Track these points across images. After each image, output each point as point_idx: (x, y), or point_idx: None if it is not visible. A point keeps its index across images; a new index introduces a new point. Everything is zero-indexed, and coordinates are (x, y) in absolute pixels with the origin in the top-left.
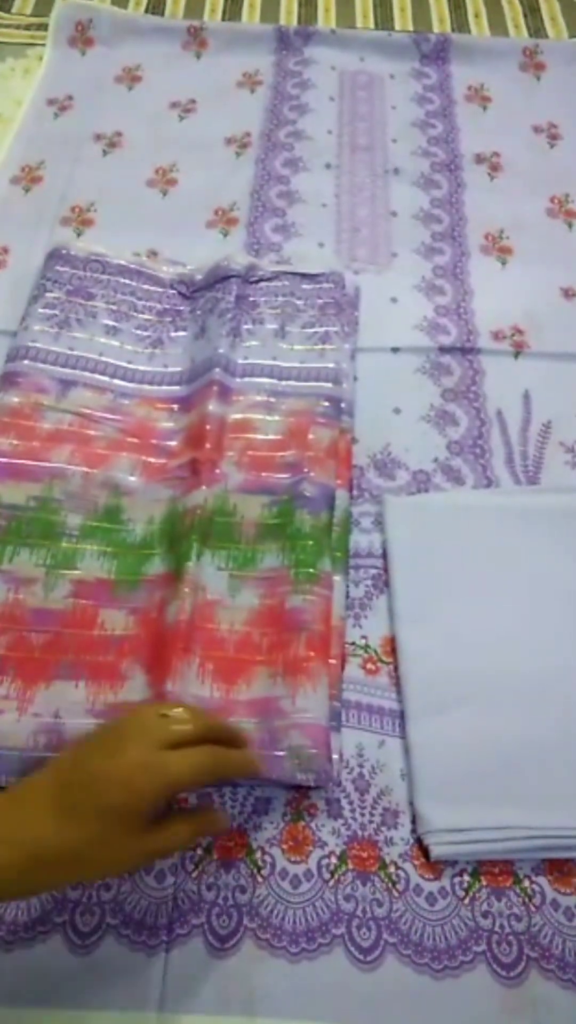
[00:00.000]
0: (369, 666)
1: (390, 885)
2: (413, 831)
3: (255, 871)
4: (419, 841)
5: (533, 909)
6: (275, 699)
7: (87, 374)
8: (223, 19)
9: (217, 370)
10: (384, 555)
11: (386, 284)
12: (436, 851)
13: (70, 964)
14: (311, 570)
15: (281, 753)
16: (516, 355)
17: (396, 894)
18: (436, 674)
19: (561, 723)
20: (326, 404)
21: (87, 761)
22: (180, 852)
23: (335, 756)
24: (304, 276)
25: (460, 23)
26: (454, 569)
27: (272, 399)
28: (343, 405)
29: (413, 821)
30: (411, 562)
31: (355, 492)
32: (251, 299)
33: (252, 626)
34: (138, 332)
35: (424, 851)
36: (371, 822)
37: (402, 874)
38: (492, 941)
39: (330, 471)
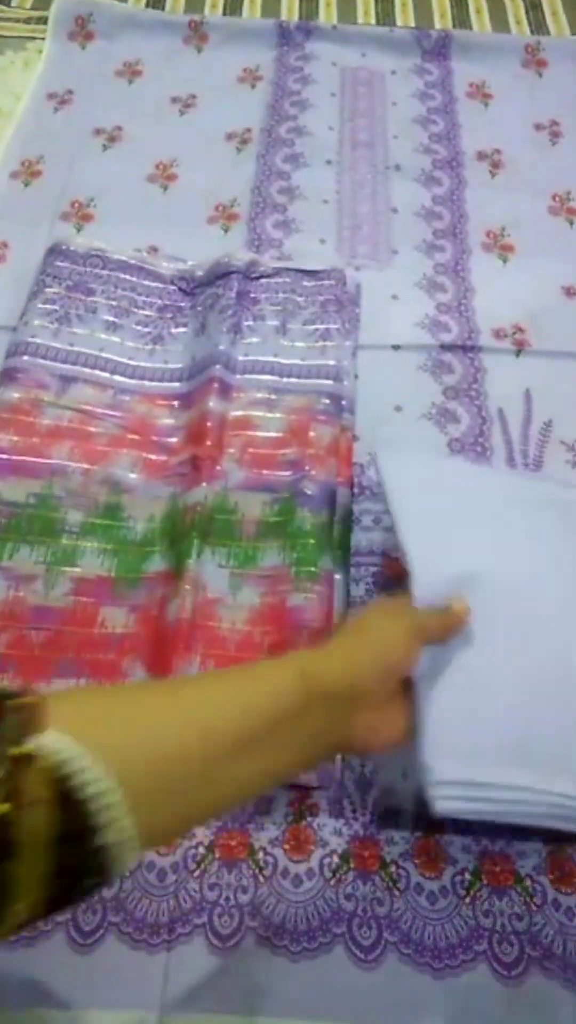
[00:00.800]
0: None
1: (391, 884)
2: (414, 828)
3: (257, 871)
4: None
5: (534, 908)
6: None
7: (87, 370)
8: (224, 14)
9: (218, 367)
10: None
11: (387, 281)
12: (441, 805)
13: (72, 962)
14: (312, 568)
15: None
16: (517, 353)
17: (397, 893)
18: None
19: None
20: (327, 401)
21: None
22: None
23: (337, 756)
24: (305, 273)
25: (462, 19)
26: (461, 513)
27: (273, 396)
28: (344, 402)
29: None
30: (418, 516)
31: (356, 490)
32: (252, 296)
33: (253, 625)
34: (138, 328)
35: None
36: (373, 822)
37: (403, 873)
38: (493, 940)
39: (331, 469)
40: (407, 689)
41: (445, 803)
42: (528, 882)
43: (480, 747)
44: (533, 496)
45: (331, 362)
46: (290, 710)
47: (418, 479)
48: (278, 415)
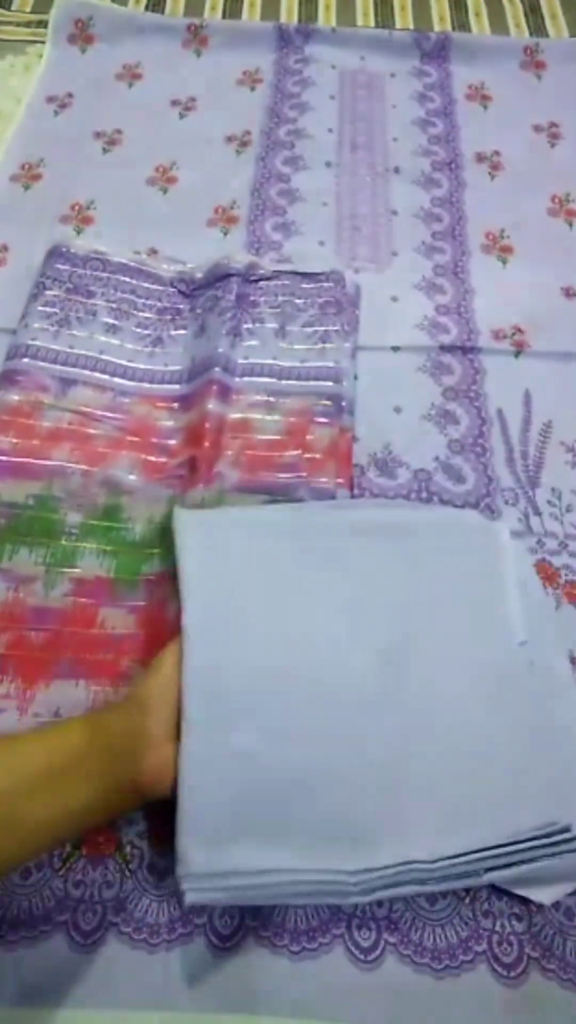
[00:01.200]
0: None
1: None
2: None
3: None
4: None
5: (534, 909)
6: None
7: (87, 372)
8: (223, 17)
9: (217, 369)
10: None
11: (387, 283)
12: (190, 897)
13: (72, 962)
14: None
15: None
16: (517, 354)
17: None
18: (217, 691)
19: (342, 754)
20: (326, 403)
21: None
22: None
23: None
24: (304, 275)
25: (461, 22)
26: (246, 586)
27: (272, 398)
28: (343, 404)
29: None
30: (202, 575)
31: (356, 491)
32: (251, 298)
33: None
34: (138, 330)
35: None
36: None
37: None
38: (493, 941)
39: (330, 471)
40: None
41: (195, 895)
42: None
43: (236, 828)
44: (328, 536)
45: (330, 364)
46: (77, 750)
47: (209, 537)
48: (277, 417)
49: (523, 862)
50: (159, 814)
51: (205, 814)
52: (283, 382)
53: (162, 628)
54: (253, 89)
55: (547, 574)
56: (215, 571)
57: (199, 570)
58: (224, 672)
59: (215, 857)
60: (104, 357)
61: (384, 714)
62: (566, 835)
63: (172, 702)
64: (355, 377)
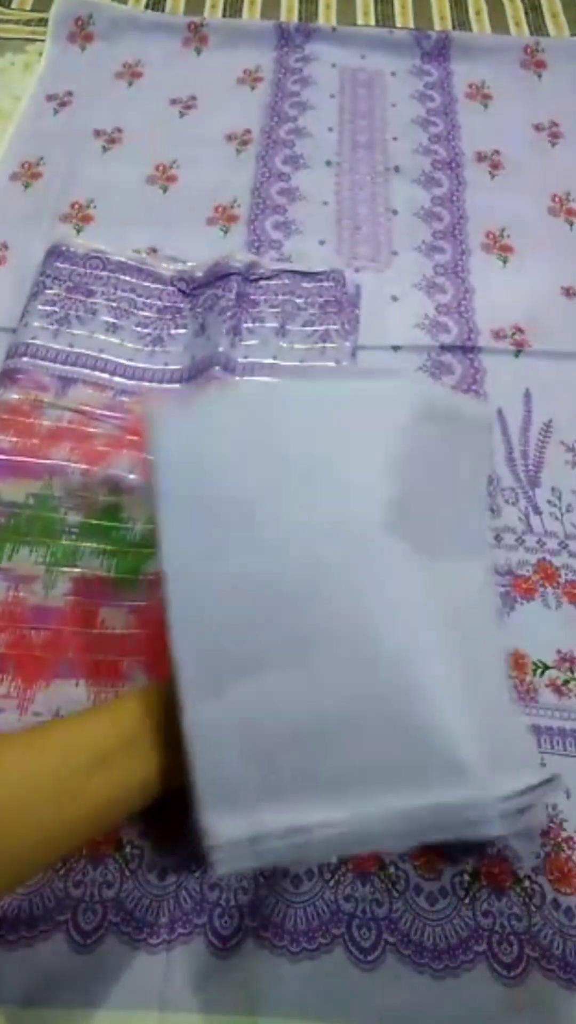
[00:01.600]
0: None
1: (390, 885)
2: None
3: (257, 871)
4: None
5: (534, 909)
6: None
7: (87, 371)
8: (224, 15)
9: (217, 368)
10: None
11: (387, 282)
12: (222, 868)
13: (72, 962)
14: None
15: None
16: (517, 354)
17: (396, 894)
18: (207, 644)
19: (357, 687)
20: None
21: None
22: None
23: None
24: (304, 275)
25: (461, 20)
26: (237, 505)
27: None
28: None
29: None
30: (185, 500)
31: None
32: (251, 297)
33: None
34: (138, 329)
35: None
36: None
37: (402, 874)
38: (492, 941)
39: None
40: None
41: (228, 865)
42: (527, 883)
43: (259, 790)
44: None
45: (331, 363)
46: (133, 726)
47: (193, 462)
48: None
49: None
50: (156, 815)
51: (222, 779)
52: None
53: (162, 628)
54: (253, 88)
55: (547, 574)
56: (191, 496)
57: (180, 497)
58: (208, 619)
59: (242, 822)
60: (104, 356)
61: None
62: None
63: None
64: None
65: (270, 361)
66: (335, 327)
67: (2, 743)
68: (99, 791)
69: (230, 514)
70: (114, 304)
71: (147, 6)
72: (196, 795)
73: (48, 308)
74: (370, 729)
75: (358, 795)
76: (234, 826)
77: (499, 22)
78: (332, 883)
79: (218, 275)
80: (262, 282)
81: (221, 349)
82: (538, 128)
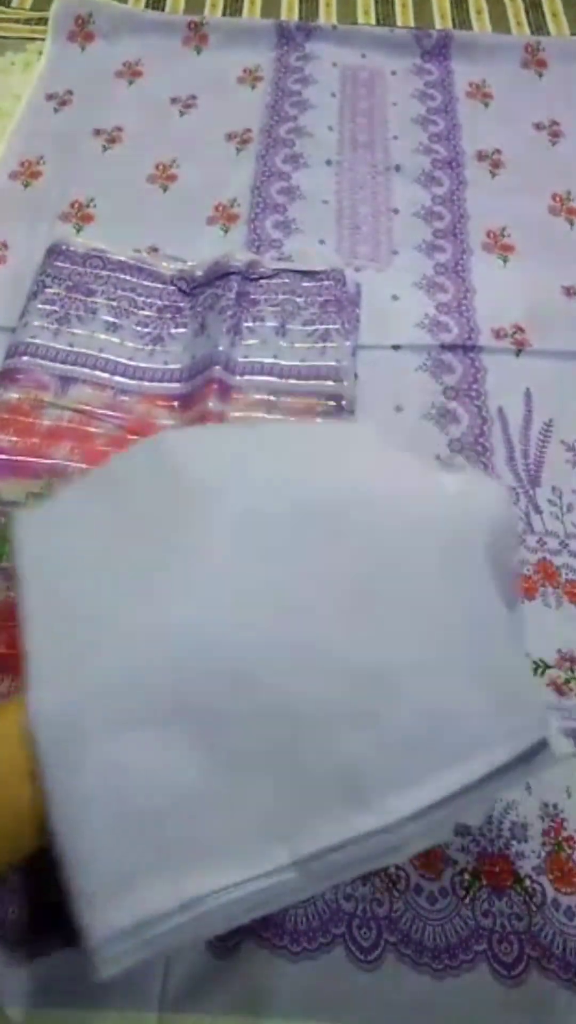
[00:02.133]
0: None
1: (390, 885)
2: None
3: None
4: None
5: (534, 908)
6: None
7: (87, 370)
8: (224, 14)
9: (217, 368)
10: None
11: (387, 281)
12: (109, 968)
13: (71, 963)
14: None
15: None
16: (518, 353)
17: (396, 893)
18: (70, 716)
19: (241, 724)
20: (328, 403)
21: None
22: None
23: None
24: (305, 274)
25: (462, 19)
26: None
27: (272, 397)
28: (344, 403)
29: None
30: (47, 599)
31: None
32: (252, 297)
33: None
34: (138, 329)
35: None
36: None
37: (402, 873)
38: (493, 940)
39: None
40: None
41: (113, 965)
42: (528, 882)
43: (146, 859)
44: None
45: (331, 363)
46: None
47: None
48: (277, 416)
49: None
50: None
51: (91, 861)
52: (284, 381)
53: None
54: (253, 87)
55: (547, 573)
56: (52, 596)
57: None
58: (78, 686)
59: (123, 907)
60: (104, 355)
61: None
62: (542, 750)
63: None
64: (355, 376)
65: (271, 360)
66: (335, 326)
67: None
68: None
69: (90, 609)
70: (114, 303)
71: (147, 5)
72: (69, 885)
73: (48, 307)
74: (258, 783)
75: (256, 854)
76: (114, 915)
77: (500, 21)
78: None
79: (218, 274)
80: (262, 281)
81: (221, 348)
82: (539, 127)
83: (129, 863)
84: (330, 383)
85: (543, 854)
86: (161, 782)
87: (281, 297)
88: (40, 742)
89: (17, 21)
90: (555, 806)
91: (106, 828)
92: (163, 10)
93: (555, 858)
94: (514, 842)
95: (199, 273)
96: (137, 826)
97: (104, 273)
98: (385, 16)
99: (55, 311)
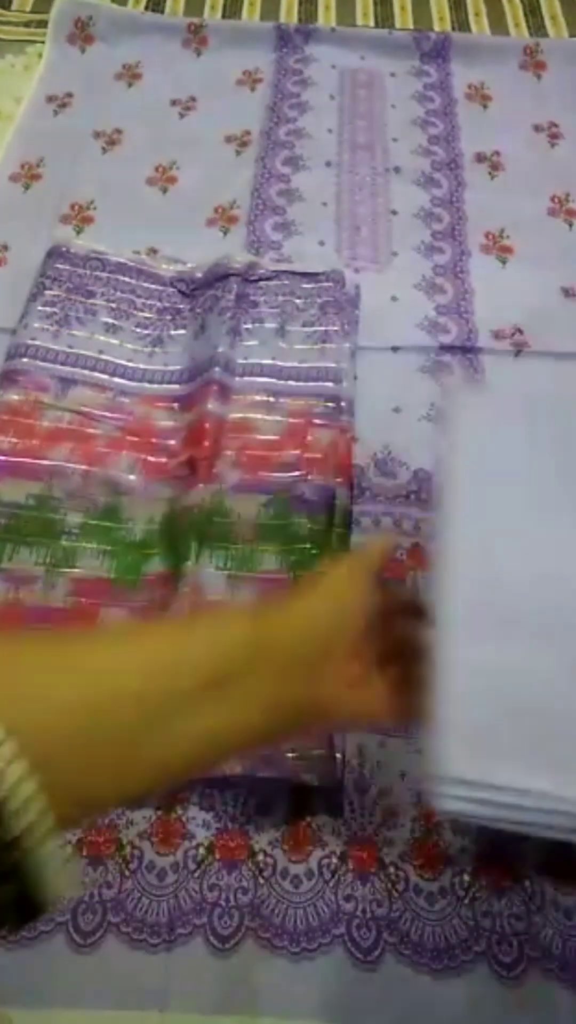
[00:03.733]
0: None
1: (390, 885)
2: (413, 830)
3: (256, 872)
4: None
5: (534, 909)
6: None
7: (87, 372)
8: (223, 17)
9: (217, 369)
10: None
11: (386, 283)
12: (445, 804)
13: (72, 963)
14: (310, 572)
15: (288, 754)
16: (516, 354)
17: (396, 894)
18: (485, 593)
19: None
20: (327, 404)
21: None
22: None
23: (338, 755)
24: (304, 275)
25: (460, 22)
26: (521, 478)
27: (271, 399)
28: (343, 404)
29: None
30: (469, 458)
31: (356, 491)
32: (251, 298)
33: None
34: (138, 330)
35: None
36: (371, 822)
37: (402, 874)
38: (492, 941)
39: (329, 471)
40: (392, 663)
41: (450, 803)
42: (527, 883)
43: (498, 745)
44: None
45: (331, 364)
46: (236, 661)
47: (479, 435)
48: (277, 417)
49: None
50: (161, 819)
51: (467, 722)
52: (283, 382)
53: None
54: (253, 89)
55: None
56: (481, 463)
57: (464, 462)
58: (490, 583)
59: (477, 766)
60: (104, 357)
61: None
62: None
63: (351, 632)
64: (355, 377)
65: (270, 362)
66: (335, 328)
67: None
68: (173, 738)
69: (519, 484)
70: (114, 305)
71: (147, 8)
72: (434, 725)
73: (48, 309)
74: None
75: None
76: (465, 766)
77: (498, 23)
78: (332, 883)
79: (218, 276)
80: (262, 283)
81: (221, 349)
82: (537, 129)
83: (490, 738)
84: (329, 384)
85: (543, 854)
86: (537, 692)
87: (281, 299)
88: (448, 614)
89: (17, 24)
90: None
91: (481, 703)
92: (163, 12)
93: (554, 858)
94: (515, 842)
95: (199, 275)
96: (507, 715)
97: (104, 275)
98: (384, 18)
99: (55, 313)
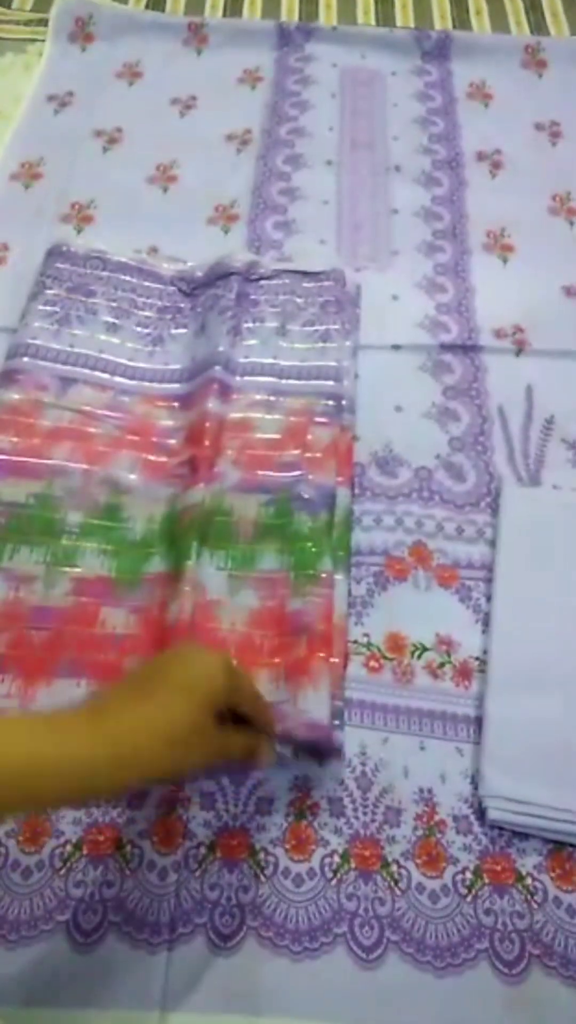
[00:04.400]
0: (372, 663)
1: (392, 883)
2: (415, 828)
3: (258, 870)
4: (479, 803)
5: (535, 906)
6: (277, 704)
7: (87, 371)
8: (224, 15)
9: (217, 368)
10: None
11: (387, 282)
12: (493, 814)
13: (72, 962)
14: (310, 572)
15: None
16: (517, 353)
17: (398, 892)
18: (526, 655)
19: None
20: (328, 403)
21: (168, 661)
22: (235, 762)
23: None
24: (304, 274)
25: (461, 20)
26: (561, 564)
27: (272, 398)
28: (344, 403)
29: (474, 784)
30: (519, 547)
31: (357, 490)
32: (252, 297)
33: (252, 627)
34: (138, 329)
35: (481, 813)
36: (373, 820)
37: (404, 872)
38: (494, 938)
39: (330, 470)
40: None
41: (497, 813)
42: (529, 880)
43: (535, 771)
44: None
45: (331, 363)
46: (83, 765)
47: (529, 524)
48: (277, 416)
49: None
50: (162, 819)
51: (508, 751)
52: (283, 381)
53: (163, 628)
54: (254, 87)
55: None
56: (529, 547)
57: (516, 543)
58: (529, 648)
59: (515, 785)
60: (104, 356)
61: None
62: None
63: (202, 690)
64: (356, 376)
65: (270, 361)
66: (336, 327)
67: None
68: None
69: (562, 566)
70: (114, 304)
71: (147, 6)
72: (482, 756)
73: (48, 308)
74: None
75: None
76: (505, 787)
77: (499, 22)
78: (334, 882)
79: (218, 275)
80: (262, 282)
81: (221, 349)
82: (538, 127)
83: (525, 766)
84: (330, 383)
85: (545, 852)
86: (562, 733)
87: (281, 298)
88: (496, 674)
89: (17, 22)
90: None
91: (518, 739)
92: (163, 11)
93: (556, 856)
94: (516, 840)
95: (199, 274)
96: (539, 750)
97: (104, 274)
98: (385, 17)
99: (55, 312)
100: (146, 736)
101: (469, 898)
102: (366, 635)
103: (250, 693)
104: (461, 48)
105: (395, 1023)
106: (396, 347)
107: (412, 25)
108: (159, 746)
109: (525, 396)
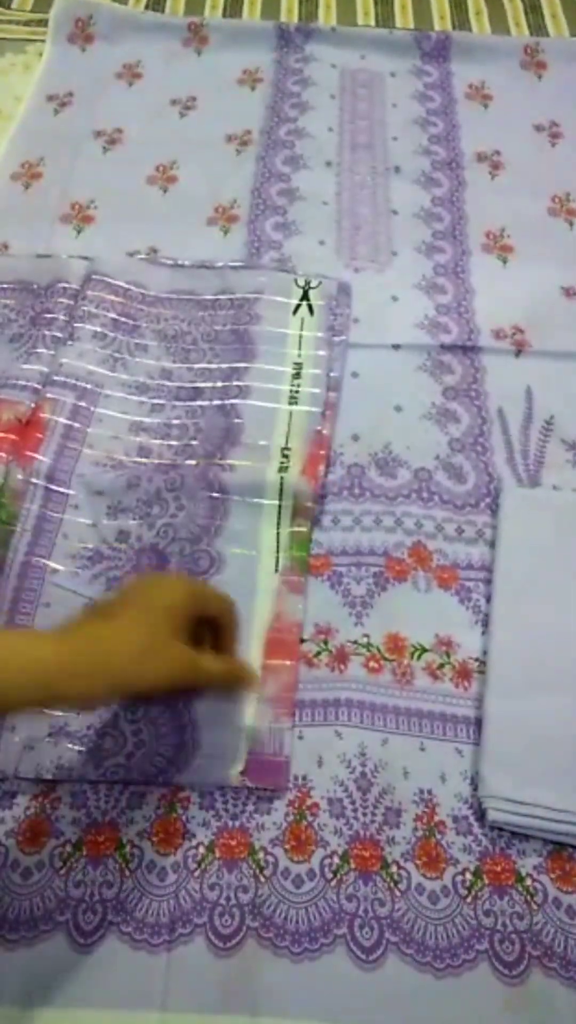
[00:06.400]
0: (372, 664)
1: (392, 884)
2: (415, 829)
3: (257, 871)
4: (479, 804)
5: (535, 907)
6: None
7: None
8: (224, 16)
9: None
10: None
11: (387, 282)
12: (493, 815)
13: (72, 962)
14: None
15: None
16: (517, 353)
17: (398, 893)
18: (526, 656)
19: None
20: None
21: (131, 588)
22: (212, 687)
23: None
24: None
25: (461, 21)
26: (561, 564)
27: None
28: (326, 413)
29: (474, 785)
30: (519, 548)
31: (357, 491)
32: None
33: None
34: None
35: (481, 813)
36: (373, 821)
37: (404, 873)
38: (494, 939)
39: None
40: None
41: (497, 814)
42: (529, 881)
43: (534, 772)
44: None
45: (316, 390)
46: (49, 674)
47: (528, 527)
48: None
49: None
50: (161, 818)
51: (507, 751)
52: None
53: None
54: (253, 88)
55: None
56: (528, 550)
57: (515, 546)
58: (528, 648)
59: (515, 786)
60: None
61: None
62: None
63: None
64: (355, 376)
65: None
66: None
67: None
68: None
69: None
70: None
71: (147, 6)
72: (481, 757)
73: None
74: None
75: None
76: (504, 787)
77: (499, 22)
78: (334, 883)
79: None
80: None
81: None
82: (538, 128)
83: (525, 768)
84: (316, 410)
85: (544, 853)
86: (561, 735)
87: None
88: (496, 676)
89: (17, 23)
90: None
91: (517, 741)
92: (163, 11)
93: (556, 857)
94: (516, 841)
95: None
96: (539, 751)
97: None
98: (384, 17)
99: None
100: (112, 647)
101: (469, 899)
102: (366, 636)
103: (216, 597)
104: (461, 49)
105: None
106: (396, 347)
107: (412, 26)
108: (124, 658)
109: (525, 397)
